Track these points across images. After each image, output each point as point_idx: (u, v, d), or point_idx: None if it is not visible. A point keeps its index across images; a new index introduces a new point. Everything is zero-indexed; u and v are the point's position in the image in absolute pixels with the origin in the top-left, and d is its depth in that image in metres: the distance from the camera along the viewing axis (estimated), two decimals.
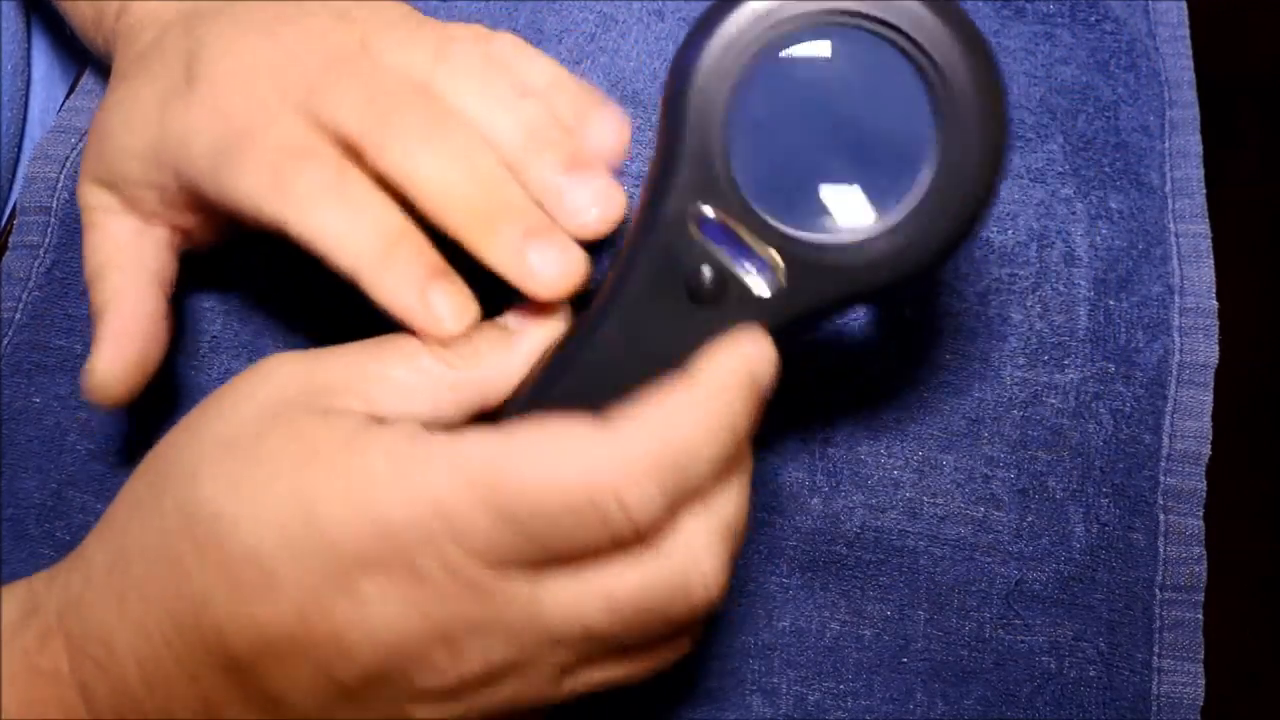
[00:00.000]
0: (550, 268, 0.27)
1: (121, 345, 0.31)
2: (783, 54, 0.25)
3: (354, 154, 0.27)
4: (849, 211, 0.26)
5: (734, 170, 0.25)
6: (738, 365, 0.25)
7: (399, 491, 0.23)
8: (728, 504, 0.25)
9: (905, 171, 0.25)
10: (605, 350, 0.26)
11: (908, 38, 0.25)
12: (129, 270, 0.31)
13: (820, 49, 0.25)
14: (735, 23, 0.25)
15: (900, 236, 0.25)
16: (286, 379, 0.26)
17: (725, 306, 0.26)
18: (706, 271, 0.25)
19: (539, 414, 0.25)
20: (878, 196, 0.26)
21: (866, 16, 0.25)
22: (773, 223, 0.25)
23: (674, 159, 0.25)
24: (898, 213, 0.25)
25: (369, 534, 0.23)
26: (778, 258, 0.25)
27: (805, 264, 0.25)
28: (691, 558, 0.25)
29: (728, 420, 0.24)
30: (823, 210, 0.26)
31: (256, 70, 0.28)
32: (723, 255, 0.26)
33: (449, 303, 0.27)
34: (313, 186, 0.27)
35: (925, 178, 0.25)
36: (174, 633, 0.24)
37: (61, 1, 0.37)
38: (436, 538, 0.23)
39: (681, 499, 0.24)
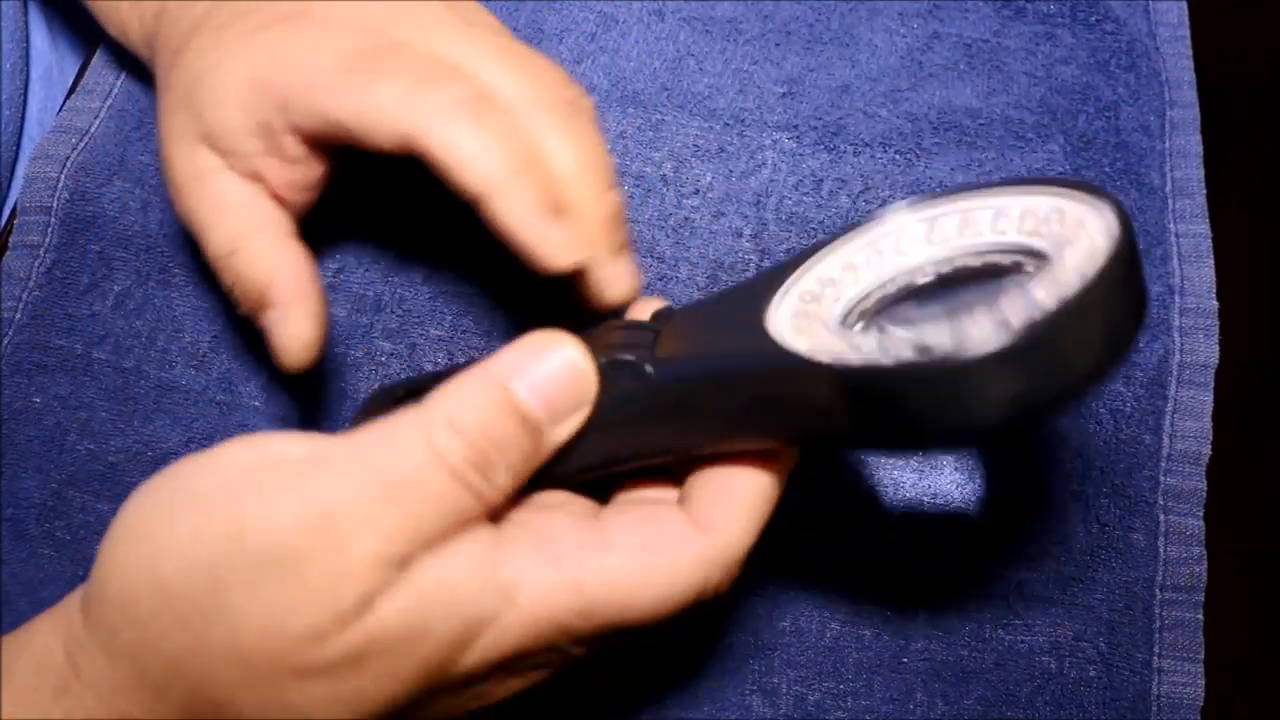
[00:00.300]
0: (633, 276, 0.30)
1: (307, 307, 0.30)
2: None
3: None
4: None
5: None
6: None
7: (526, 634, 0.24)
8: None
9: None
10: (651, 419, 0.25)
11: None
12: (271, 230, 0.31)
13: None
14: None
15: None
16: (336, 607, 0.22)
17: None
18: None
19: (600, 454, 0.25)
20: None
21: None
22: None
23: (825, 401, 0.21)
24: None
25: (497, 661, 0.24)
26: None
27: None
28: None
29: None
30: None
31: (377, 7, 0.30)
32: None
33: (567, 238, 0.28)
34: (452, 101, 0.28)
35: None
36: None
37: (91, 2, 0.37)
38: (555, 644, 0.24)
39: None
